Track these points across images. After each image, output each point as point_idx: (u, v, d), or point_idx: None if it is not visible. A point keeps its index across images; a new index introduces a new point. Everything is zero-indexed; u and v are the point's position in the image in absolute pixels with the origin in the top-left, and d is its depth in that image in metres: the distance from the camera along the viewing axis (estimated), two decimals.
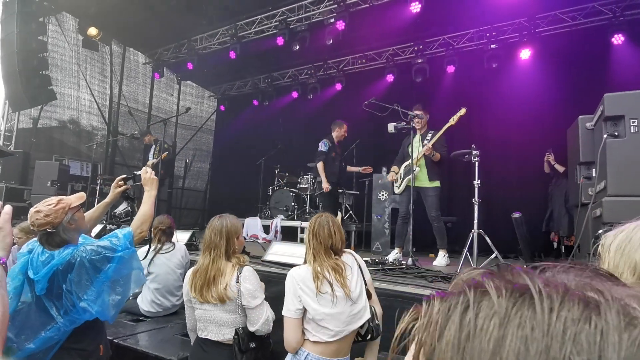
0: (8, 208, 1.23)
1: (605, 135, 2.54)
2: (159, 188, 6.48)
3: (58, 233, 1.88)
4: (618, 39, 6.04)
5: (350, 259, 2.22)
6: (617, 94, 2.61)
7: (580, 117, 3.26)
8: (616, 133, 2.52)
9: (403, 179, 4.70)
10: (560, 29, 6.69)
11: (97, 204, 2.52)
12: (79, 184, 7.29)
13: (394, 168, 4.85)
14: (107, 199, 2.44)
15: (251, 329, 2.19)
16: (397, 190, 4.87)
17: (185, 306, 2.35)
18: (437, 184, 4.59)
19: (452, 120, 4.44)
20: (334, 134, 5.74)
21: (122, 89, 8.98)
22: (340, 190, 6.72)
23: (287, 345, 2.07)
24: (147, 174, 2.32)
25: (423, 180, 4.61)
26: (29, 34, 6.99)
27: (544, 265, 0.30)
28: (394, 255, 4.60)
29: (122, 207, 6.38)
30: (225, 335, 2.21)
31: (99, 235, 3.79)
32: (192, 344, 2.42)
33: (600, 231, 2.52)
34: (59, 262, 1.83)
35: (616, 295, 0.25)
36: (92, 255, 1.88)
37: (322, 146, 5.63)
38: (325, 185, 5.53)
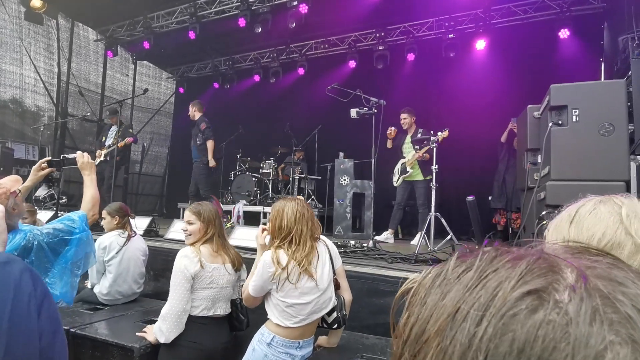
0: (1, 207, 1.28)
1: (550, 124, 2.73)
2: (115, 173, 6.18)
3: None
4: (564, 34, 6.44)
5: (322, 247, 2.15)
6: (562, 85, 2.77)
7: (529, 106, 3.45)
8: (560, 122, 2.71)
9: (400, 175, 5.47)
10: (512, 21, 7.01)
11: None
12: (24, 168, 6.81)
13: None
14: (28, 182, 2.26)
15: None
16: (395, 184, 5.61)
17: (194, 288, 2.30)
18: (429, 177, 4.99)
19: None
20: None
21: (72, 67, 8.38)
22: (302, 175, 6.85)
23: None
24: (83, 158, 2.24)
25: (417, 176, 5.31)
26: None
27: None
28: (385, 235, 5.35)
29: (45, 191, 6.07)
30: (226, 309, 2.40)
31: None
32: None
33: (544, 212, 2.73)
34: (12, 248, 1.75)
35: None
36: (50, 238, 1.85)
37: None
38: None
